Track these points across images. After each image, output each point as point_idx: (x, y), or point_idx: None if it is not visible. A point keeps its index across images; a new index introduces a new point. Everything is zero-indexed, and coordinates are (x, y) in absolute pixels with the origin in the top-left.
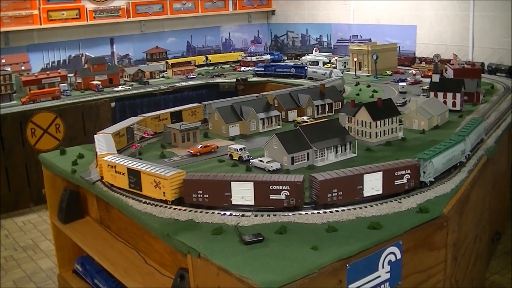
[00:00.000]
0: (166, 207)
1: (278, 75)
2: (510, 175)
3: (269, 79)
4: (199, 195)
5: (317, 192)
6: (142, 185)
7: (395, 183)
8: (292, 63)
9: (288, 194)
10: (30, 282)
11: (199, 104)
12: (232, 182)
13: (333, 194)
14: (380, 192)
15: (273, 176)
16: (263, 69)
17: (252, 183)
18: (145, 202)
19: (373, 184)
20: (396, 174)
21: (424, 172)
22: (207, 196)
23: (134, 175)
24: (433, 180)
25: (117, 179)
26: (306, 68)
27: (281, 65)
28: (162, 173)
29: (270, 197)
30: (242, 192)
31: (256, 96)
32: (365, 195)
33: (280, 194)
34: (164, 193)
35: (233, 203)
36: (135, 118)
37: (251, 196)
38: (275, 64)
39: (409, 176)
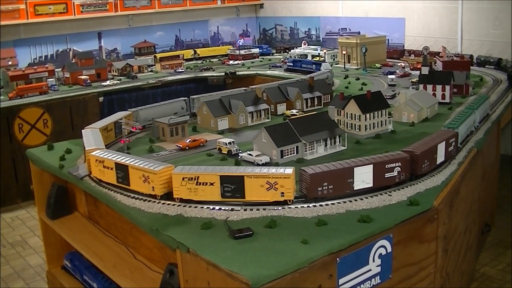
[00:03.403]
0: (154, 201)
1: (302, 70)
2: (498, 167)
3: (258, 72)
4: (324, 188)
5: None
6: (246, 190)
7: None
8: (312, 60)
9: (400, 170)
10: (19, 279)
11: (130, 112)
12: (355, 168)
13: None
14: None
15: (382, 156)
16: (292, 64)
17: (372, 165)
18: (133, 197)
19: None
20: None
21: None
22: (331, 187)
23: (233, 182)
24: (460, 146)
25: (199, 192)
26: (321, 64)
27: (305, 61)
28: (280, 172)
29: (385, 176)
30: (363, 176)
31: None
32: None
33: (393, 171)
34: (282, 193)
35: (354, 188)
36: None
37: (370, 178)
38: (301, 60)
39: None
